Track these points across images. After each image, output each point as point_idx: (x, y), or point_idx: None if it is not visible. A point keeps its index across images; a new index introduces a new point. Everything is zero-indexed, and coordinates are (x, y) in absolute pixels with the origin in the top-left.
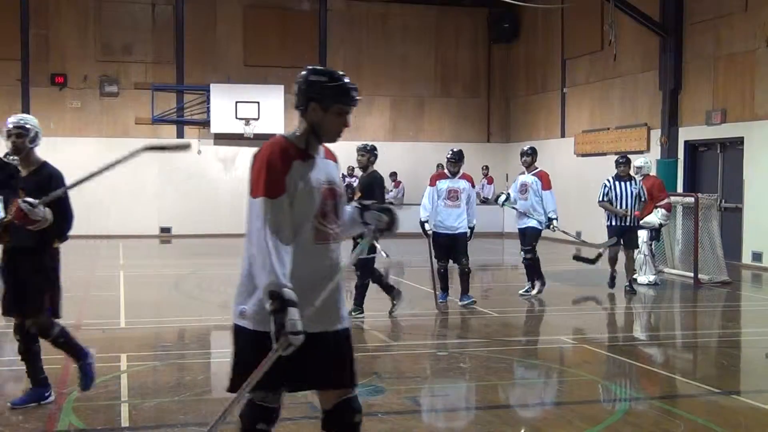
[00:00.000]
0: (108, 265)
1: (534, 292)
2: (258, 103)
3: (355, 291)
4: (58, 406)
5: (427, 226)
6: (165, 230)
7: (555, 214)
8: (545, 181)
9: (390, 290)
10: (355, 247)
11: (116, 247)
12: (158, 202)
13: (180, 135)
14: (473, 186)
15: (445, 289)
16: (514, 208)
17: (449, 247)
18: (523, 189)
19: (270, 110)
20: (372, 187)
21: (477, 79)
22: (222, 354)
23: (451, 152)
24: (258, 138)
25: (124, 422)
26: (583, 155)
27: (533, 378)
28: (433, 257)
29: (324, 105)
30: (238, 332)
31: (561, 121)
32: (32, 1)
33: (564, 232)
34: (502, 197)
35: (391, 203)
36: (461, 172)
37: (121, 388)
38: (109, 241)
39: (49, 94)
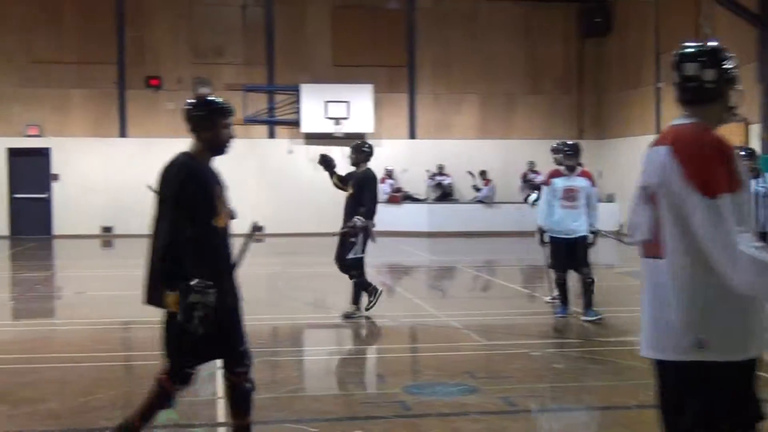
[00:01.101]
0: None
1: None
2: (347, 102)
3: (353, 289)
4: None
5: (545, 236)
6: (257, 228)
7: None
8: (591, 181)
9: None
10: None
11: None
12: (251, 200)
13: (271, 135)
14: (593, 184)
15: (564, 302)
16: None
17: (567, 254)
18: (571, 194)
19: (359, 109)
20: (363, 184)
21: (568, 74)
22: (314, 352)
23: (564, 143)
24: (348, 137)
25: (221, 418)
26: None
27: (630, 379)
28: (550, 266)
29: (732, 84)
30: (691, 370)
31: (656, 116)
32: (128, 6)
33: (605, 233)
34: (533, 197)
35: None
36: (579, 168)
37: (216, 385)
38: None
39: (144, 96)
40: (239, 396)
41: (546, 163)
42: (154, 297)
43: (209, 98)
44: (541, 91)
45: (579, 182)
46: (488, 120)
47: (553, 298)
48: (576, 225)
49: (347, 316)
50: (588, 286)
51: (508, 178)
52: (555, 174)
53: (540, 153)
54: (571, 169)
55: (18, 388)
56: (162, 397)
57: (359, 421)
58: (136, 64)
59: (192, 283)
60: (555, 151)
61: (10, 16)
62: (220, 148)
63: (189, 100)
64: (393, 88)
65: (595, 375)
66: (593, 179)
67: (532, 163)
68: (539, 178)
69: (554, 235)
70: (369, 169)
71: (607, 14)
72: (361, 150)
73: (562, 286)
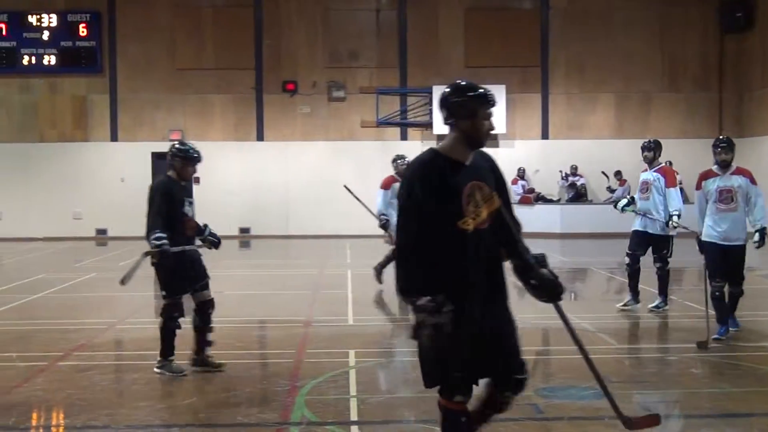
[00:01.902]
0: (336, 264)
1: (655, 303)
2: None
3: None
4: (291, 399)
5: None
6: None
7: (678, 212)
8: (670, 178)
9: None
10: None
11: (344, 246)
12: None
13: (403, 137)
14: (753, 182)
15: (723, 321)
16: (636, 212)
17: (724, 263)
18: (644, 187)
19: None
20: None
21: (707, 72)
22: None
23: (718, 139)
24: None
25: (353, 416)
26: None
27: None
28: (709, 276)
29: None
30: None
31: None
32: (266, 14)
33: (684, 228)
34: (623, 202)
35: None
36: (734, 165)
37: (349, 384)
38: (338, 240)
39: (280, 100)
40: (487, 413)
41: (683, 163)
42: None
43: (471, 83)
44: (679, 89)
45: (736, 181)
46: (623, 119)
47: (657, 306)
48: (737, 231)
49: None
50: (736, 299)
51: None
52: (706, 175)
53: (677, 153)
54: (725, 167)
55: (160, 383)
56: (450, 421)
57: (490, 423)
58: (273, 70)
59: (420, 302)
60: (646, 148)
61: (156, 27)
62: (478, 139)
63: (447, 87)
64: (525, 88)
65: (734, 381)
66: (752, 176)
67: (669, 163)
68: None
69: (710, 240)
70: None
71: (748, 9)
72: None
73: (718, 299)
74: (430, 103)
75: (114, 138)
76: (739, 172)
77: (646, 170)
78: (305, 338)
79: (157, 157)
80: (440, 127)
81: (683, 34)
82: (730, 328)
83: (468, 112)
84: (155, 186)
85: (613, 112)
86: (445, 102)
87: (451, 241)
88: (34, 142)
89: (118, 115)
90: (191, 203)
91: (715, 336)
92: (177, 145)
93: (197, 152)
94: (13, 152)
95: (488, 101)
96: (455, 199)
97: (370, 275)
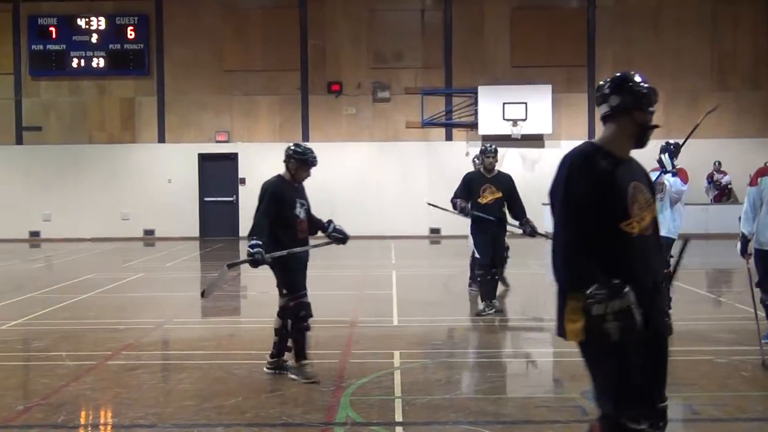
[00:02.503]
0: (381, 264)
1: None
2: (525, 103)
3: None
4: (336, 399)
5: (750, 245)
6: (434, 231)
7: (678, 191)
8: (683, 179)
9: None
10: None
11: (388, 247)
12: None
13: (448, 137)
14: None
15: None
16: None
17: None
18: (660, 188)
19: (537, 110)
20: (514, 187)
21: (758, 70)
22: (491, 354)
23: None
24: (526, 139)
25: (398, 417)
26: None
27: None
28: (756, 284)
29: None
30: None
31: None
32: (310, 15)
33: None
34: None
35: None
36: None
37: (394, 384)
38: (382, 241)
39: (325, 101)
40: None
41: (734, 163)
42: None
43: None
44: (728, 87)
45: None
46: (672, 118)
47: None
48: None
49: (478, 314)
50: None
51: (694, 179)
52: (763, 172)
53: (727, 152)
54: None
55: (206, 383)
56: None
57: (535, 425)
58: (318, 71)
59: (589, 291)
60: (664, 150)
61: (203, 28)
62: (648, 135)
63: (615, 77)
64: (572, 88)
65: None
66: None
67: (718, 163)
68: (726, 179)
69: (759, 247)
70: (506, 173)
71: None
72: (497, 153)
73: None
74: (476, 103)
75: (161, 139)
76: None
77: (657, 170)
78: (350, 339)
79: (203, 158)
80: (486, 127)
81: (733, 32)
82: None
83: (647, 102)
84: (265, 186)
85: (661, 110)
86: (622, 87)
87: (615, 245)
88: (83, 143)
89: (166, 116)
90: (303, 205)
91: (765, 339)
92: (293, 147)
93: (314, 155)
94: (63, 154)
95: (656, 97)
96: (620, 198)
97: (414, 276)
